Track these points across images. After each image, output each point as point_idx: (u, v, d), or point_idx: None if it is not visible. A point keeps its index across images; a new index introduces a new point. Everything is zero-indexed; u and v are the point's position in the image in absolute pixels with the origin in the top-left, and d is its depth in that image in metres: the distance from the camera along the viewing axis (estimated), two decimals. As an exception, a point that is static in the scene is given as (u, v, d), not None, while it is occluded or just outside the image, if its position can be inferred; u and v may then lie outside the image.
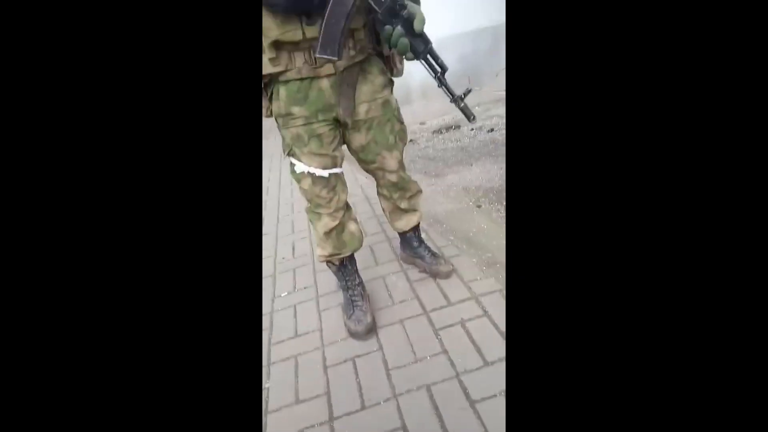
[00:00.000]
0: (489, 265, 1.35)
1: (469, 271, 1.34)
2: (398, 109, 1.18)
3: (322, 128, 1.05)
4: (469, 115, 1.04)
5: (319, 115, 1.03)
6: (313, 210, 1.19)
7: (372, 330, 1.20)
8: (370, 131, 1.13)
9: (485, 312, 1.17)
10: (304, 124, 1.04)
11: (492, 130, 2.67)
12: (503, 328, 1.10)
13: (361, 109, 1.08)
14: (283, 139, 1.11)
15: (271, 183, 2.62)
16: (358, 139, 1.14)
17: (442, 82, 0.99)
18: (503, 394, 0.93)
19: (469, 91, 1.01)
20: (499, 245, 1.45)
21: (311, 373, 1.12)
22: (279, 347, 1.24)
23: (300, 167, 1.10)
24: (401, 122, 1.20)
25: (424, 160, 2.47)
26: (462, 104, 1.03)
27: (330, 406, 1.01)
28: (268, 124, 1.26)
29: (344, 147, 1.17)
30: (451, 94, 1.02)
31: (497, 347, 1.05)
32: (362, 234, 1.27)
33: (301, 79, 0.99)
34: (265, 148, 3.60)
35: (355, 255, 1.31)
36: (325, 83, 0.99)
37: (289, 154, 1.12)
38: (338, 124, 1.09)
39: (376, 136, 1.14)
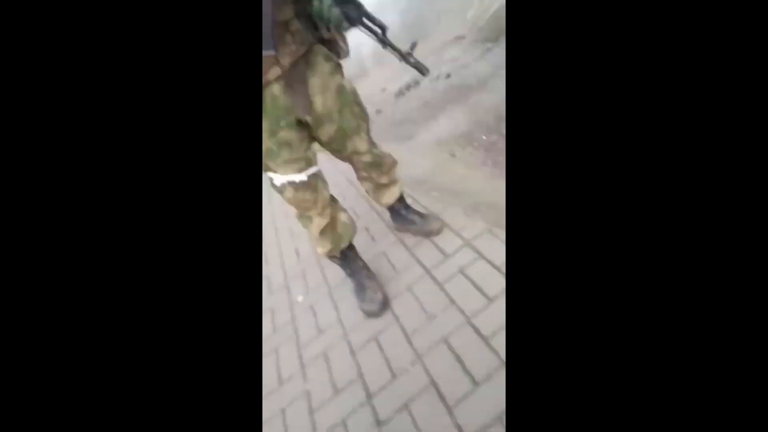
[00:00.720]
0: (474, 210, 1.37)
1: (457, 219, 1.37)
2: (354, 92, 1.16)
3: (288, 134, 1.04)
4: (422, 69, 1.03)
5: (281, 121, 1.02)
6: (303, 215, 1.22)
7: (386, 305, 1.25)
8: (334, 122, 1.12)
9: (479, 254, 1.20)
10: (271, 137, 1.03)
11: (449, 75, 2.62)
12: (497, 263, 1.13)
13: (318, 103, 1.06)
14: None
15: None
16: (325, 132, 1.13)
17: (386, 42, 0.96)
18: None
19: (414, 45, 0.98)
20: (478, 188, 1.47)
21: (342, 361, 1.18)
22: (308, 348, 1.31)
23: (278, 179, 1.11)
24: (359, 104, 1.18)
25: (394, 127, 2.46)
26: (413, 60, 1.01)
27: (365, 387, 1.07)
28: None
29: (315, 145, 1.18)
30: (398, 52, 0.99)
31: (495, 282, 1.08)
32: (353, 222, 1.31)
33: None
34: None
35: (353, 241, 1.35)
36: (276, 88, 0.98)
37: (264, 171, 1.13)
38: (302, 124, 1.08)
39: (341, 124, 1.13)
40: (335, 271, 1.52)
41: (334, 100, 1.09)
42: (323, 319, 1.38)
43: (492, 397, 0.86)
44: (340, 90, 1.10)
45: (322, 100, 1.06)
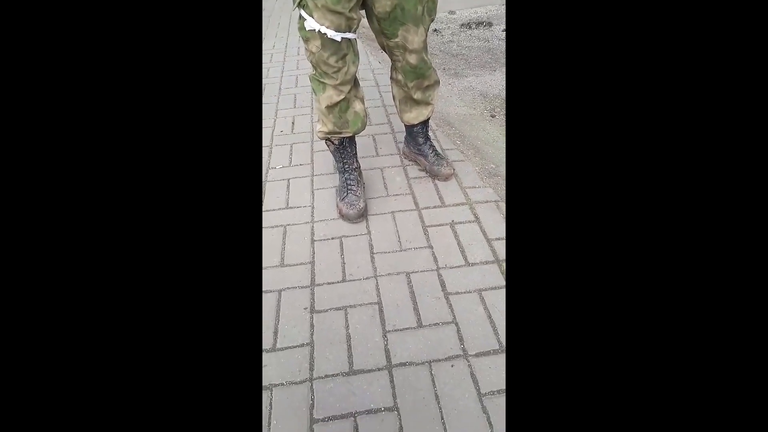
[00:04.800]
0: (490, 176, 1.33)
1: (469, 178, 1.33)
2: None
3: None
4: None
5: None
6: (318, 78, 1.10)
7: (363, 215, 1.22)
8: None
9: (477, 218, 1.19)
10: None
11: (526, 36, 2.42)
12: (491, 235, 1.13)
13: None
14: None
15: (275, 50, 2.41)
16: (383, 2, 1.00)
17: None
18: (478, 291, 0.99)
19: None
20: (503, 159, 1.42)
21: (298, 242, 1.16)
22: (269, 215, 1.26)
23: (310, 23, 0.98)
24: None
25: (444, 56, 2.27)
26: None
27: (313, 273, 1.07)
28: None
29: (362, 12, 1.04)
30: None
31: (481, 252, 1.09)
32: (367, 116, 1.20)
33: None
34: (269, 11, 3.24)
35: (357, 139, 1.27)
36: None
37: (299, 5, 0.98)
38: None
39: (403, 1, 1.00)
40: (325, 161, 1.45)
41: None
42: (295, 197, 1.33)
43: (431, 342, 0.89)
44: None
45: None
